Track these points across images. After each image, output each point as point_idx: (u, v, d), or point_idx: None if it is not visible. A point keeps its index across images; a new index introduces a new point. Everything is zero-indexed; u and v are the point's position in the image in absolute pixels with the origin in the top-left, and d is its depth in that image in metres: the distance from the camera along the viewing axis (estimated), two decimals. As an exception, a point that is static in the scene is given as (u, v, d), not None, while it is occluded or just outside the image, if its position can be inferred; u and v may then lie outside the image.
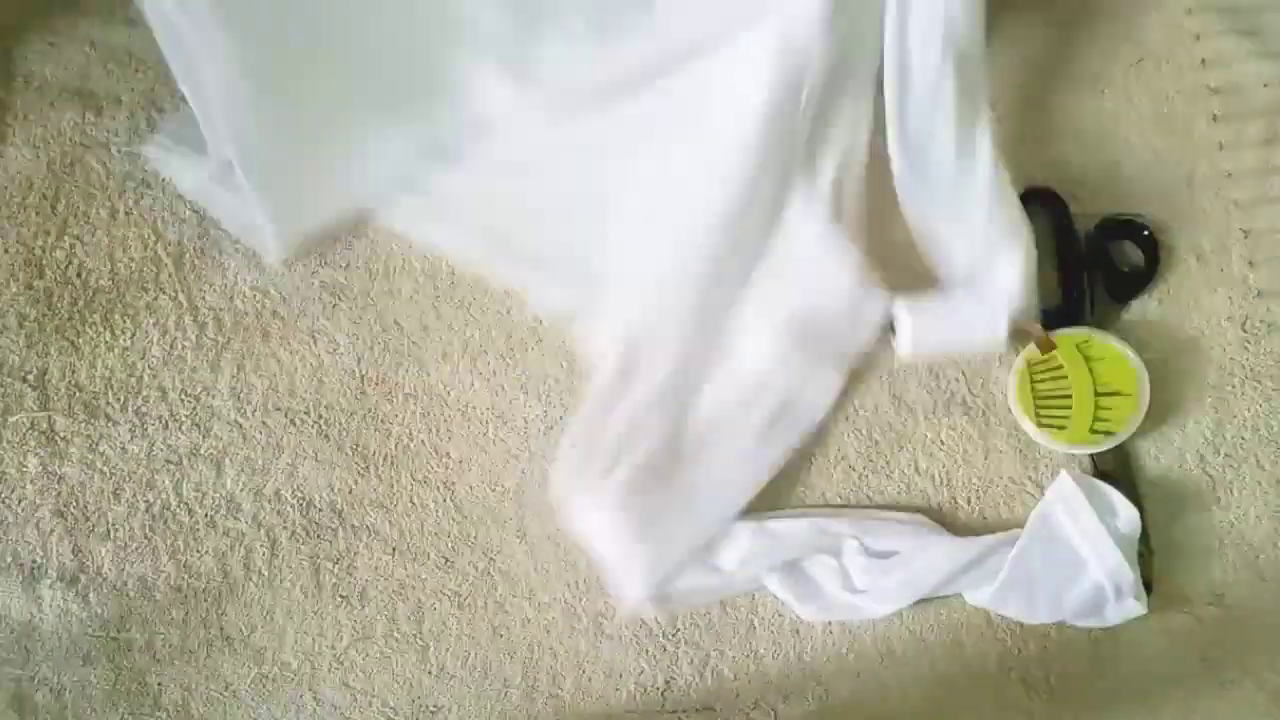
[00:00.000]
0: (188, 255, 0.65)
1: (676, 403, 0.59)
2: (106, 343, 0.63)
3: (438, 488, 0.61)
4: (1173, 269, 0.64)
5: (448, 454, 0.61)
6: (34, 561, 0.60)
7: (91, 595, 0.59)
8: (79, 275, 0.66)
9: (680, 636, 0.58)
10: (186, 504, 0.61)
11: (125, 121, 0.69)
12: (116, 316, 0.64)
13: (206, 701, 0.58)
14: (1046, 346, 0.60)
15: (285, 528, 0.61)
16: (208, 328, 0.64)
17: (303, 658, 0.58)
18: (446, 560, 0.60)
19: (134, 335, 0.64)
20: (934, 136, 0.58)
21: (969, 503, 0.60)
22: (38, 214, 0.67)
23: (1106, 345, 0.60)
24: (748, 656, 0.58)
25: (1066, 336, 0.61)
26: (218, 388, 0.63)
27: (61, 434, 0.62)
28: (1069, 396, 0.60)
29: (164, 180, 0.67)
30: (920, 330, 0.58)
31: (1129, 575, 0.55)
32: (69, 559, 0.60)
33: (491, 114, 0.63)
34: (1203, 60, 0.68)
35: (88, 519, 0.61)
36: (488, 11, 0.62)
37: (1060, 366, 0.60)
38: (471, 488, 0.61)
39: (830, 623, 0.58)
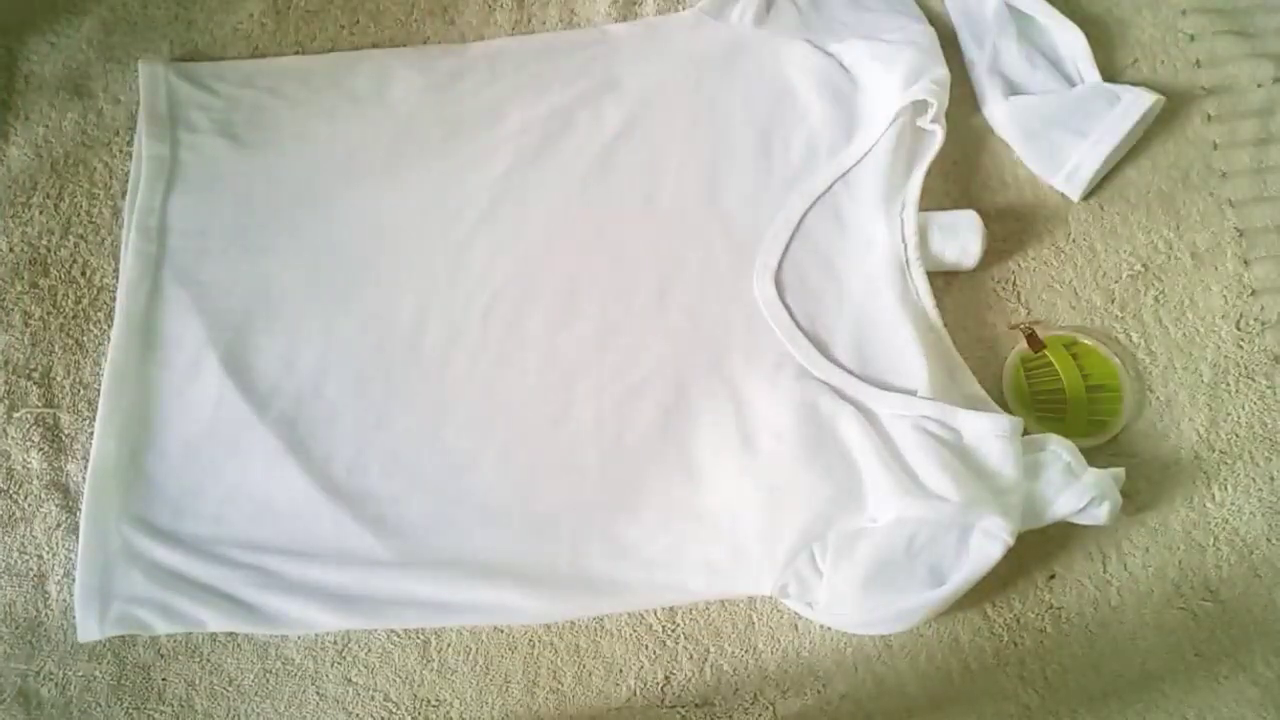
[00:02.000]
0: (191, 254, 0.66)
1: None
2: (110, 340, 0.64)
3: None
4: (1169, 268, 0.64)
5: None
6: (40, 557, 0.60)
7: (96, 591, 0.60)
8: (83, 274, 0.66)
9: (680, 632, 0.59)
10: (190, 501, 0.61)
11: (126, 121, 0.70)
12: (120, 315, 0.64)
13: (210, 696, 0.58)
14: (1036, 345, 0.61)
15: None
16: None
17: (305, 653, 0.59)
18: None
19: (138, 333, 0.64)
20: None
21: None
22: (41, 213, 0.68)
23: (1090, 345, 0.62)
24: (746, 652, 0.58)
25: (1054, 337, 0.62)
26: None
27: (66, 431, 0.63)
28: (1062, 392, 0.60)
29: (167, 179, 0.67)
30: None
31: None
32: (75, 555, 0.60)
33: None
34: (1197, 61, 0.69)
35: (92, 515, 0.61)
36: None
37: (1051, 364, 0.61)
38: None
39: (828, 618, 0.58)
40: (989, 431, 0.55)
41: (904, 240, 0.62)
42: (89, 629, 0.58)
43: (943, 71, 0.64)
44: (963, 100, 0.67)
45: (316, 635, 0.59)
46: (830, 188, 0.64)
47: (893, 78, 0.64)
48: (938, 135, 0.63)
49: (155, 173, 0.66)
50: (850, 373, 0.59)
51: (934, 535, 0.54)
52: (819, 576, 0.55)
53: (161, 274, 0.64)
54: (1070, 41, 0.66)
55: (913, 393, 0.58)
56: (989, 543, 0.53)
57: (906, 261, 0.61)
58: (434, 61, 0.70)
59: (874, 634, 0.58)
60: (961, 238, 0.62)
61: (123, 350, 0.62)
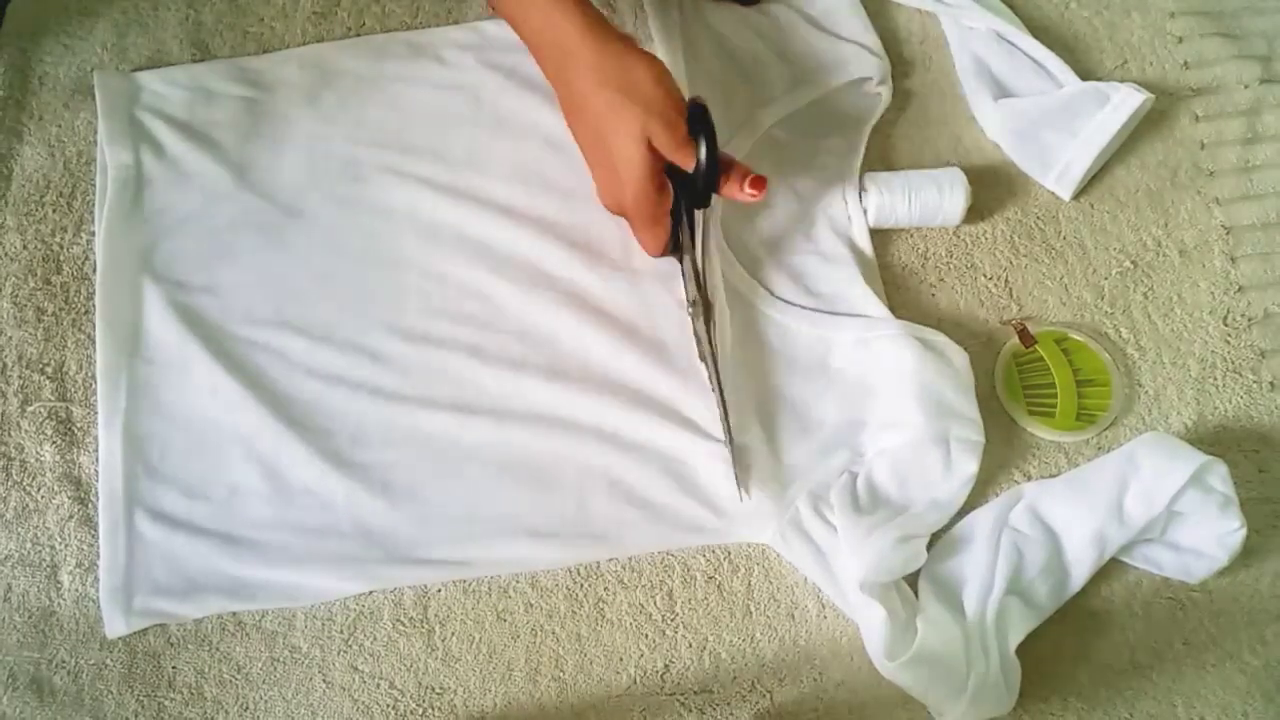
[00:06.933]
0: (200, 252, 0.67)
1: None
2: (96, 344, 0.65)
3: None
4: (1157, 265, 0.66)
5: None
6: (52, 548, 0.61)
7: (108, 581, 0.61)
8: (95, 271, 0.67)
9: (679, 621, 0.60)
10: (199, 492, 0.62)
11: (138, 122, 0.71)
12: (131, 311, 0.66)
13: (219, 684, 0.59)
14: (1028, 341, 0.63)
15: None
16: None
17: (312, 641, 0.60)
18: (452, 547, 0.61)
19: (148, 329, 0.65)
20: None
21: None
22: (55, 211, 0.69)
23: (1080, 341, 0.63)
24: (744, 640, 0.59)
25: (1046, 333, 0.63)
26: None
27: (78, 424, 0.64)
28: (1054, 387, 0.62)
29: (177, 179, 0.68)
30: (884, 205, 0.64)
31: None
32: (87, 546, 0.61)
33: None
34: (1185, 62, 0.70)
35: (104, 507, 0.62)
36: None
37: (1042, 359, 0.62)
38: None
39: (825, 607, 0.59)
40: (946, 342, 0.60)
41: (845, 198, 0.66)
42: (115, 625, 0.59)
43: (875, 40, 0.69)
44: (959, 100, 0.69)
45: (322, 624, 0.60)
46: (768, 131, 0.68)
47: (832, 43, 0.69)
48: (884, 97, 0.68)
49: (121, 180, 0.68)
50: (804, 308, 0.63)
51: (914, 457, 0.58)
52: (819, 520, 0.58)
53: (137, 275, 0.66)
54: (1045, 55, 0.68)
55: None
56: (965, 450, 0.58)
57: (849, 217, 0.66)
58: (380, 50, 0.72)
59: (887, 578, 0.56)
60: (945, 193, 0.64)
61: (110, 352, 0.64)
